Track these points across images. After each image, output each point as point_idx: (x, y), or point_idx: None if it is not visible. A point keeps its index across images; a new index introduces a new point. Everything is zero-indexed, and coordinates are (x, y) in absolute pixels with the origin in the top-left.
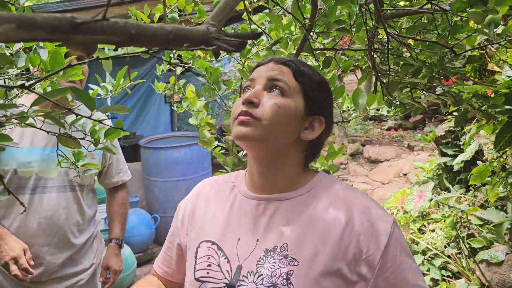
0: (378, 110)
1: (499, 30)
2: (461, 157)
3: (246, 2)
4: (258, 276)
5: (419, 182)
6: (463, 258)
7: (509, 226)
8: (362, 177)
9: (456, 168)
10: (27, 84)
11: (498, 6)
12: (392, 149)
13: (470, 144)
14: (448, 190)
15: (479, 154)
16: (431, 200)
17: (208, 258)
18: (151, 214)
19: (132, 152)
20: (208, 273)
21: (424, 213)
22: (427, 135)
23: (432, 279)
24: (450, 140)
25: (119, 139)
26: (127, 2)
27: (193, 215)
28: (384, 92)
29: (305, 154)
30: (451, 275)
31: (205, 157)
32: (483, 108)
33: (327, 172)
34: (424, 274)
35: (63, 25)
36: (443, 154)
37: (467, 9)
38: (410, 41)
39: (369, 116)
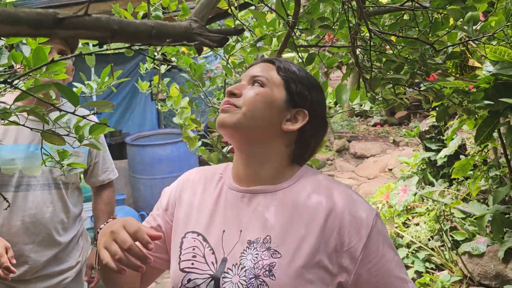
0: (361, 105)
1: (479, 26)
2: (444, 152)
3: None
4: (241, 268)
5: (403, 177)
6: (446, 250)
7: (490, 219)
8: (349, 172)
9: (439, 162)
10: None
11: (476, 3)
12: (378, 145)
13: (453, 139)
14: (432, 184)
15: (462, 148)
16: (415, 194)
17: (194, 249)
18: (138, 212)
19: (118, 150)
20: (192, 264)
21: (409, 207)
22: (412, 131)
23: (416, 272)
24: (434, 135)
25: (105, 136)
26: None
27: (179, 203)
28: (367, 88)
29: (292, 148)
30: (434, 267)
31: (191, 154)
32: (463, 104)
33: (309, 166)
34: (409, 267)
35: (46, 20)
36: (427, 149)
37: (447, 6)
38: (393, 38)
39: (355, 112)
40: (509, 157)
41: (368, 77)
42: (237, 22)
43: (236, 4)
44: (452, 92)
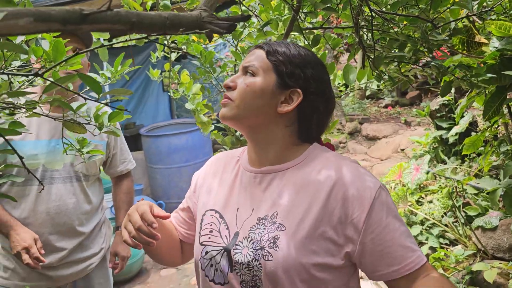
0: (368, 85)
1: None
2: (456, 129)
3: None
4: (250, 241)
5: (416, 156)
6: (459, 226)
7: (502, 193)
8: (361, 154)
9: (451, 140)
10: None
11: None
12: (390, 126)
13: (463, 116)
14: (444, 162)
15: (473, 125)
16: (428, 172)
17: (211, 225)
18: (156, 201)
19: (133, 142)
20: (209, 238)
21: (422, 185)
22: (423, 110)
23: (431, 247)
24: (444, 113)
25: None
26: None
27: (202, 186)
28: (371, 67)
29: (296, 127)
30: (448, 243)
31: (206, 142)
32: (467, 78)
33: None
34: (423, 243)
35: (73, 16)
36: (438, 128)
37: None
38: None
39: (366, 94)
40: None
41: (372, 56)
42: (243, 8)
43: None
44: (455, 67)
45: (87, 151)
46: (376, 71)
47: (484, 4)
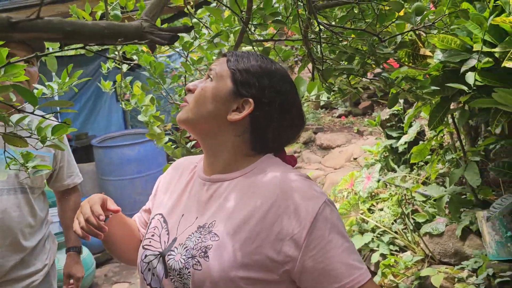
0: (319, 96)
1: (431, 16)
2: (404, 139)
3: None
4: (184, 248)
5: (367, 165)
6: (408, 232)
7: (448, 200)
8: (316, 163)
9: (400, 149)
10: None
11: None
12: (343, 135)
13: (412, 126)
14: (394, 170)
15: (421, 134)
16: (379, 181)
17: (154, 229)
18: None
19: (84, 153)
20: (150, 242)
21: (373, 193)
22: (374, 120)
23: (381, 254)
24: (394, 123)
25: (70, 140)
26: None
27: (161, 189)
28: (320, 79)
29: (247, 137)
30: (398, 249)
31: (159, 153)
32: (412, 90)
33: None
34: (374, 250)
35: (1, 24)
36: (389, 137)
37: None
38: (344, 29)
39: (321, 104)
40: (463, 140)
41: (322, 68)
42: (194, 20)
43: (192, 3)
44: (401, 79)
45: (32, 165)
46: (325, 83)
47: (427, 19)
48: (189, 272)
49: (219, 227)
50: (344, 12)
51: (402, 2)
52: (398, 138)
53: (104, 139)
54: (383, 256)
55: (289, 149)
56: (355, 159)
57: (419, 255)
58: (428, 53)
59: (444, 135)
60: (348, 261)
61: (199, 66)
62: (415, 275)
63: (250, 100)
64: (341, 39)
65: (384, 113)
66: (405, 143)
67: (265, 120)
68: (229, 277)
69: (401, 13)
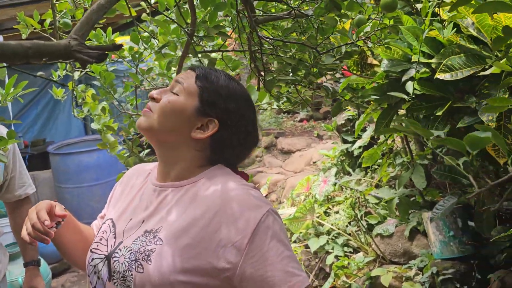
0: (269, 104)
1: (368, 28)
2: (359, 143)
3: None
4: (129, 251)
5: (324, 169)
6: (361, 234)
7: (398, 201)
8: (277, 168)
9: (355, 153)
10: None
11: (348, 11)
12: (303, 140)
13: (365, 131)
14: (349, 174)
15: (374, 139)
16: (335, 184)
17: (103, 233)
18: None
19: (41, 160)
20: (97, 245)
21: (329, 196)
22: (331, 125)
23: (336, 256)
24: (349, 128)
25: (26, 147)
26: (16, 4)
27: (115, 195)
28: (265, 89)
29: (206, 153)
30: (352, 251)
31: (118, 160)
32: (353, 99)
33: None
34: (329, 252)
35: None
36: (344, 141)
37: (326, 14)
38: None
39: (283, 109)
40: (412, 145)
41: (267, 79)
42: (145, 32)
43: (147, 10)
44: (343, 89)
45: None
46: (269, 93)
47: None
48: (131, 274)
49: (164, 233)
50: (289, 24)
51: (337, 18)
52: (353, 142)
53: (61, 145)
54: (338, 257)
55: (250, 154)
56: (314, 162)
57: (370, 255)
58: (375, 62)
59: (394, 139)
60: (287, 268)
61: (146, 76)
62: (366, 275)
63: (216, 121)
64: (287, 50)
65: (340, 118)
66: (360, 147)
67: (227, 141)
68: (169, 281)
69: (347, 26)
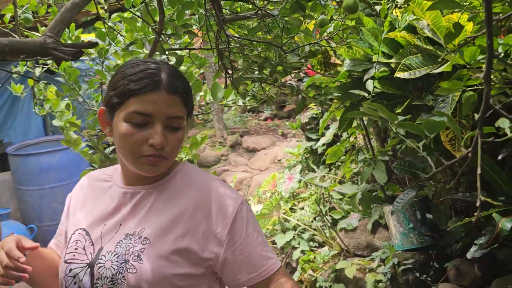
0: (235, 102)
1: (331, 28)
2: (323, 141)
3: (100, 8)
4: (115, 255)
5: (289, 166)
6: (326, 229)
7: (360, 196)
8: (242, 166)
9: (319, 151)
10: None
11: (312, 12)
12: (268, 138)
13: (329, 128)
14: (314, 171)
15: (338, 136)
16: (300, 181)
17: (76, 243)
18: (26, 225)
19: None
20: (74, 255)
21: (295, 193)
22: (295, 123)
23: (302, 251)
24: (313, 126)
25: None
26: None
27: (74, 207)
28: (232, 86)
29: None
30: (317, 245)
31: (82, 160)
32: (316, 97)
33: (191, 161)
34: (296, 247)
35: None
36: (309, 139)
37: (291, 14)
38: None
39: (247, 108)
40: (373, 141)
41: (234, 76)
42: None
43: (106, 7)
44: (307, 87)
45: None
46: (237, 90)
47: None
48: (123, 277)
49: (149, 232)
50: (255, 23)
51: (301, 19)
52: (317, 140)
53: (21, 146)
54: (304, 252)
55: (216, 153)
56: (279, 160)
57: (335, 249)
58: (338, 61)
59: (356, 137)
60: (262, 252)
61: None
62: (331, 269)
63: (185, 123)
64: (253, 49)
65: (304, 117)
66: (324, 144)
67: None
68: (163, 275)
69: (311, 26)
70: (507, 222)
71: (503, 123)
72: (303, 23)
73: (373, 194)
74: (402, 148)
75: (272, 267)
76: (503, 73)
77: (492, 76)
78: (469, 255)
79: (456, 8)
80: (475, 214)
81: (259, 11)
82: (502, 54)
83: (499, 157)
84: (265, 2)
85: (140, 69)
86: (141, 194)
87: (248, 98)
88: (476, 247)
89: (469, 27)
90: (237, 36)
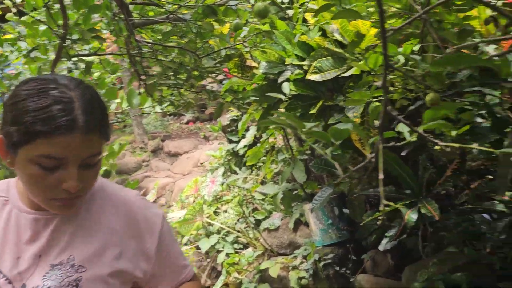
0: (153, 107)
1: (245, 32)
2: (243, 142)
3: None
4: None
5: (212, 169)
6: (250, 230)
7: (282, 196)
8: (165, 171)
9: (241, 152)
10: None
11: (225, 17)
12: (190, 141)
13: (249, 130)
14: (236, 173)
15: (258, 138)
16: (222, 184)
17: None
18: None
19: None
20: None
21: (218, 196)
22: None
23: (227, 254)
24: (234, 128)
25: None
26: None
27: None
28: (146, 93)
29: None
30: (242, 247)
31: None
32: (233, 102)
33: (108, 172)
34: (220, 251)
35: None
36: (230, 141)
37: (203, 19)
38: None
39: (168, 112)
40: (292, 142)
41: (148, 83)
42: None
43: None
44: (225, 91)
45: None
46: (152, 96)
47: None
48: None
49: (80, 258)
50: (169, 28)
51: (213, 23)
52: (239, 142)
53: None
54: (228, 255)
55: (137, 159)
56: (202, 164)
57: (259, 250)
58: (254, 64)
59: (276, 137)
60: (181, 263)
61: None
62: (256, 269)
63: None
64: (167, 54)
65: (225, 119)
66: (245, 146)
67: None
68: None
69: (226, 29)
70: (413, 213)
71: (402, 128)
72: (218, 27)
73: (294, 192)
74: (319, 147)
75: (189, 274)
76: (404, 79)
77: (395, 81)
78: (381, 247)
79: (357, 17)
80: (381, 210)
81: (171, 16)
82: (403, 62)
83: (403, 153)
84: (177, 7)
85: (47, 103)
86: (58, 219)
87: (165, 104)
88: (387, 239)
89: (373, 31)
90: (150, 41)
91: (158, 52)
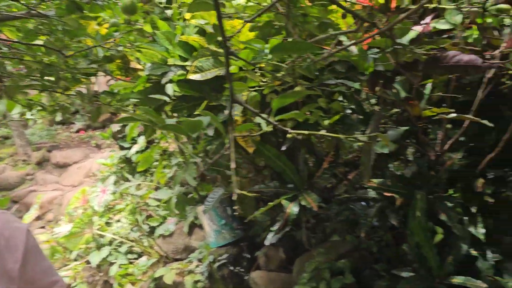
0: (23, 114)
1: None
2: (136, 148)
3: None
4: None
5: (103, 178)
6: (144, 238)
7: (176, 200)
8: (52, 184)
9: (134, 159)
10: None
11: (91, 13)
12: (81, 151)
13: (140, 135)
14: (128, 180)
15: (151, 142)
16: (114, 192)
17: None
18: None
19: None
20: None
21: (110, 206)
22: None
23: (121, 265)
24: (125, 134)
25: None
26: None
27: None
28: (6, 96)
29: None
30: (137, 257)
31: None
32: (112, 104)
33: None
34: (113, 263)
35: None
36: (122, 148)
37: (67, 15)
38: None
39: (56, 120)
40: (186, 145)
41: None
42: None
43: None
44: (101, 93)
45: None
46: (12, 99)
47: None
48: None
49: None
50: (30, 25)
51: (79, 20)
52: (130, 148)
53: None
54: (122, 266)
55: (19, 172)
56: (94, 174)
57: (154, 257)
58: (138, 66)
59: (167, 141)
60: (51, 278)
61: None
62: (151, 278)
63: None
64: (32, 54)
65: (116, 125)
66: (137, 152)
67: None
68: None
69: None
70: (294, 206)
71: (260, 120)
72: (87, 24)
73: (188, 196)
74: (213, 149)
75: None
76: (275, 74)
77: (265, 77)
78: (267, 242)
79: (210, 9)
80: (261, 209)
81: (33, 11)
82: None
83: (283, 148)
84: (38, 1)
85: None
86: None
87: (36, 109)
88: (272, 233)
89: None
90: (9, 39)
91: (21, 51)
